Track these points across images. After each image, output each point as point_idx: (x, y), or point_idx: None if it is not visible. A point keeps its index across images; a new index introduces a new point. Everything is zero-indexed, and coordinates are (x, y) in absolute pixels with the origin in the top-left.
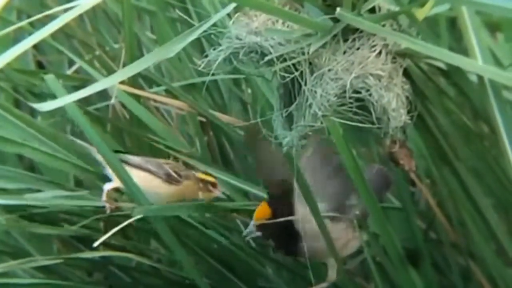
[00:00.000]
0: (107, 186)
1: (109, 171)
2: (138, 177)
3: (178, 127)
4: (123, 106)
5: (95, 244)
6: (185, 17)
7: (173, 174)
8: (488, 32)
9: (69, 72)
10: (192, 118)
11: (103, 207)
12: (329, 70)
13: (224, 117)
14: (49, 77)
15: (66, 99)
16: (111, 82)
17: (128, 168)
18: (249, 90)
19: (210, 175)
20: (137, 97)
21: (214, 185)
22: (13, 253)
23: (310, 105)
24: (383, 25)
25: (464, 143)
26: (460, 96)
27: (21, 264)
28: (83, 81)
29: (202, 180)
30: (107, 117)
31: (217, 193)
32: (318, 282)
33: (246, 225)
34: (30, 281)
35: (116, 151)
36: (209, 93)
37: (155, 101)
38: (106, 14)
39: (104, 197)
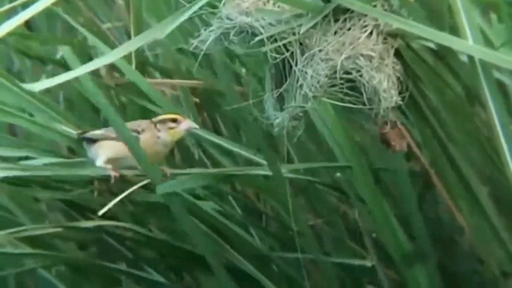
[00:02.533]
0: (100, 160)
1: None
2: (107, 147)
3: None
4: None
5: (101, 211)
6: None
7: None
8: (480, 12)
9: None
10: (186, 98)
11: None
12: (320, 50)
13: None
14: (65, 49)
15: (71, 74)
16: (117, 56)
17: (98, 143)
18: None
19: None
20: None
21: (174, 120)
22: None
23: (301, 86)
24: (374, 6)
25: (455, 122)
26: (451, 75)
27: (12, 234)
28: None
29: (160, 121)
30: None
31: (183, 126)
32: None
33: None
34: (19, 251)
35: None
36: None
37: None
38: None
39: (104, 165)
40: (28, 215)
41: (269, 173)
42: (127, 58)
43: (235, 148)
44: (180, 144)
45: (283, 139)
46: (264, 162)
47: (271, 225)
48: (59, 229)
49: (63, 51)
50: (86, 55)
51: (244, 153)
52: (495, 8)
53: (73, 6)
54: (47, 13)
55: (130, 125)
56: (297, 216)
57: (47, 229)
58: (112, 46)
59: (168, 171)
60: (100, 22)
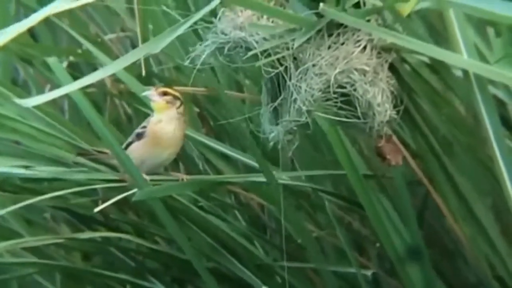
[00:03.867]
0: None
1: None
2: (132, 151)
3: None
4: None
5: (96, 209)
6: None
7: (140, 130)
8: (476, 27)
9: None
10: (189, 109)
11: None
12: (314, 65)
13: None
14: (52, 61)
15: (64, 89)
16: (116, 68)
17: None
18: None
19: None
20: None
21: (165, 93)
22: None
23: (295, 100)
24: (368, 20)
25: (451, 136)
26: (446, 90)
27: (15, 245)
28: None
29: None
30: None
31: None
32: None
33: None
34: (21, 260)
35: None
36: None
37: None
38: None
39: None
40: (32, 226)
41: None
42: (136, 68)
43: (238, 156)
44: (184, 155)
45: (286, 148)
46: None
47: (275, 236)
48: (61, 240)
49: (52, 65)
50: (90, 65)
51: (247, 161)
52: (492, 23)
53: (77, 17)
54: (52, 24)
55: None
56: (299, 225)
57: (50, 240)
58: (115, 57)
59: (183, 176)
60: (103, 33)
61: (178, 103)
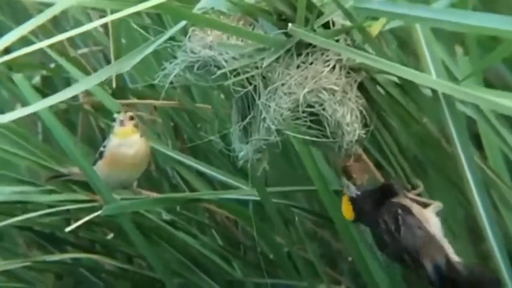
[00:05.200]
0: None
1: None
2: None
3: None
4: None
5: (67, 229)
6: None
7: (101, 149)
8: (445, 46)
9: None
10: (165, 124)
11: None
12: (283, 84)
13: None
14: (18, 77)
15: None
16: (90, 84)
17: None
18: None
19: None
20: None
21: (132, 117)
22: None
23: (264, 119)
24: (337, 40)
25: (421, 154)
26: (416, 109)
27: None
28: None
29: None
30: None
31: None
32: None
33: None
34: None
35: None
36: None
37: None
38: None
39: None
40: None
41: (240, 197)
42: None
43: (212, 173)
44: (157, 168)
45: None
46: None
47: (249, 253)
48: (28, 263)
49: (18, 83)
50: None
51: (219, 176)
52: (461, 42)
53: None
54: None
55: None
56: (271, 241)
57: (20, 263)
58: (88, 72)
59: (151, 194)
60: (76, 47)
61: (139, 126)
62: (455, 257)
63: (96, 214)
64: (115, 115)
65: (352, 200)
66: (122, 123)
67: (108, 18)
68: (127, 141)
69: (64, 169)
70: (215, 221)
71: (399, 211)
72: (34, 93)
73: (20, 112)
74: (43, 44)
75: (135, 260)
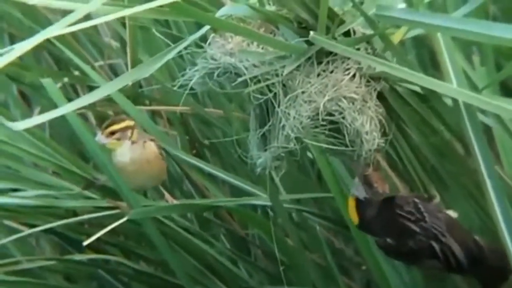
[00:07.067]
0: None
1: None
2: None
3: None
4: None
5: (92, 238)
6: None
7: None
8: (464, 55)
9: None
10: (180, 135)
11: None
12: (303, 92)
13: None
14: (47, 81)
15: (61, 111)
16: (112, 89)
17: None
18: None
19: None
20: None
21: (113, 132)
22: None
23: (283, 127)
24: (357, 49)
25: (440, 165)
26: (436, 118)
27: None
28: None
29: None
30: None
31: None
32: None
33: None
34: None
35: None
36: None
37: None
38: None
39: None
40: (18, 248)
41: (253, 202)
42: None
43: (227, 178)
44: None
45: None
46: (258, 192)
47: (260, 259)
48: (52, 262)
49: (47, 87)
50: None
51: (236, 182)
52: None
53: (68, 44)
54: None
55: None
56: (285, 248)
57: (39, 262)
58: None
59: (170, 198)
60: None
61: (129, 132)
62: (478, 238)
63: (122, 220)
64: (96, 138)
65: (359, 202)
66: (103, 141)
67: (125, 12)
68: (117, 153)
69: (99, 176)
70: (228, 229)
71: (416, 199)
72: (61, 97)
73: (49, 115)
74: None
75: (149, 264)
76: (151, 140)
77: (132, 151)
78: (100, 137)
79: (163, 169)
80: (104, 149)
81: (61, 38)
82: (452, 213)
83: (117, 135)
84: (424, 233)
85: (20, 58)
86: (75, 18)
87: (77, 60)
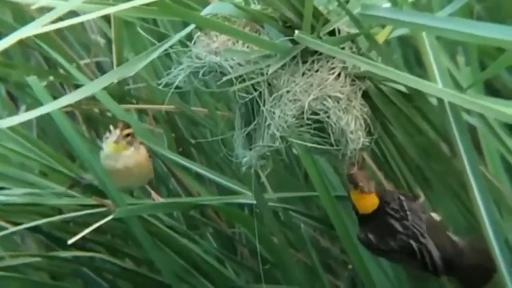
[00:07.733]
0: None
1: None
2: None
3: None
4: None
5: (78, 236)
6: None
7: None
8: (448, 55)
9: None
10: (166, 133)
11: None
12: (288, 91)
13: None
14: (32, 79)
15: (45, 108)
16: (96, 88)
17: None
18: None
19: None
20: None
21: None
22: None
23: (269, 126)
24: (342, 48)
25: (425, 164)
26: (421, 118)
27: None
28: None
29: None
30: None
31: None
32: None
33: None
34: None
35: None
36: None
37: None
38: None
39: None
40: (3, 245)
41: (239, 201)
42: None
43: (213, 177)
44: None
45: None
46: (244, 191)
47: (246, 258)
48: (36, 259)
49: (32, 85)
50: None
51: (221, 181)
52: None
53: (52, 42)
54: (23, 46)
55: None
56: (270, 247)
57: (24, 259)
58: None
59: (156, 197)
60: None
61: (134, 139)
62: (455, 238)
63: (108, 218)
64: (112, 129)
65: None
66: (116, 139)
67: (109, 10)
68: (115, 156)
69: (86, 175)
70: (214, 227)
71: (401, 197)
72: (47, 95)
73: (34, 113)
74: None
75: (134, 262)
76: (140, 143)
77: (129, 158)
78: (117, 137)
79: (151, 170)
80: (93, 149)
81: (44, 36)
82: (436, 216)
83: (128, 139)
84: (405, 232)
85: (9, 57)
86: (54, 16)
87: (60, 59)
